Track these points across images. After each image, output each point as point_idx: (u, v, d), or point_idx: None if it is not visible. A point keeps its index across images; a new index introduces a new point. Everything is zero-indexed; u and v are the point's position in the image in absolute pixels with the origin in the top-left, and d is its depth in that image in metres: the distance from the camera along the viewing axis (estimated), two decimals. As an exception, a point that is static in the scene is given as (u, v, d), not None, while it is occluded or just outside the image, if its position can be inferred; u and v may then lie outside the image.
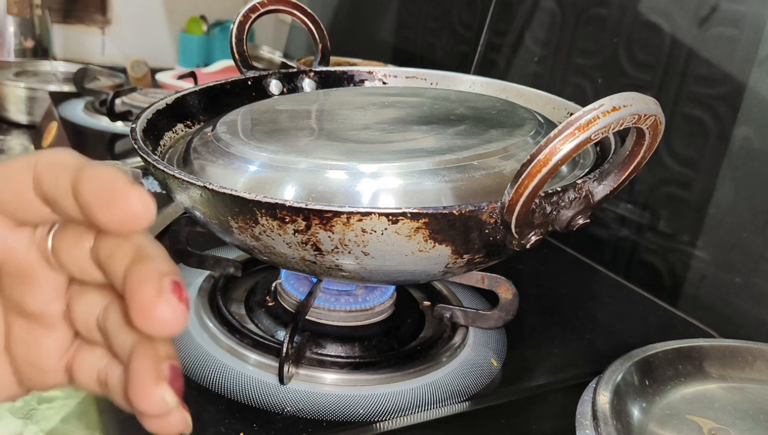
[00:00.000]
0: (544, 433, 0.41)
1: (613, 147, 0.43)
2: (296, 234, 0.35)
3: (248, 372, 0.42)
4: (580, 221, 0.37)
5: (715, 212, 0.60)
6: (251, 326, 0.47)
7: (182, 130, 0.51)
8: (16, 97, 1.21)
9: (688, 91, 0.62)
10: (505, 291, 0.46)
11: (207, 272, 0.51)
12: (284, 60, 1.26)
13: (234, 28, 0.55)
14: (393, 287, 0.49)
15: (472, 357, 0.46)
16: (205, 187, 0.35)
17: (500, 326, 0.48)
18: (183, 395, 0.21)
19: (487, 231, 0.35)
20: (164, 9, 1.62)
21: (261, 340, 0.44)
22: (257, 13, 0.56)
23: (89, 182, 0.20)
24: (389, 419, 0.39)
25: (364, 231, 0.34)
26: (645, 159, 0.36)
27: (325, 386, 0.41)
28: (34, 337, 0.23)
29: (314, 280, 0.46)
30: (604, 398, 0.38)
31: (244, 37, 0.56)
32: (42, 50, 1.41)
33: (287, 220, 0.34)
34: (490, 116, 0.47)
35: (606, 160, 0.40)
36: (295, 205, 0.33)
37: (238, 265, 0.51)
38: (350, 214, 0.33)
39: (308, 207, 0.33)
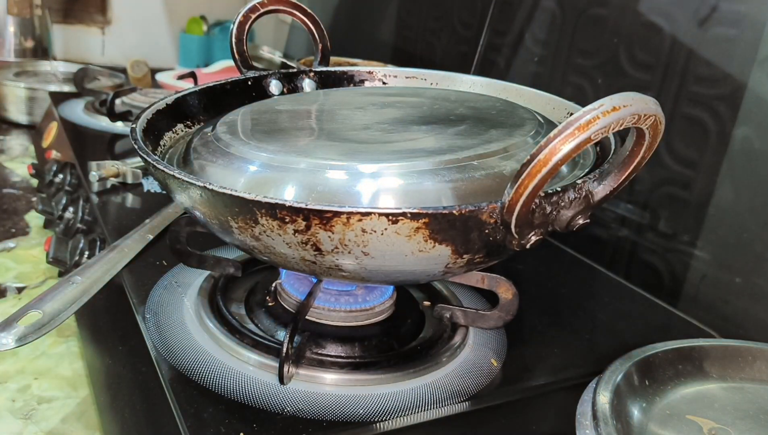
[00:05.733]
0: (544, 433, 0.41)
1: (613, 147, 0.43)
2: (296, 234, 0.35)
3: (248, 372, 0.42)
4: (580, 221, 0.37)
5: (715, 212, 0.60)
6: (251, 326, 0.47)
7: (182, 130, 0.51)
8: (16, 97, 1.21)
9: (688, 91, 0.62)
10: (505, 291, 0.46)
11: (207, 272, 0.51)
12: (284, 60, 1.26)
13: (234, 28, 0.55)
14: (393, 287, 0.49)
15: (472, 357, 0.46)
16: (205, 187, 0.35)
17: (500, 326, 0.48)
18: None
19: (487, 231, 0.35)
20: (164, 9, 1.62)
21: (261, 340, 0.44)
22: (257, 14, 0.56)
23: None
24: (389, 419, 0.39)
25: (364, 231, 0.34)
26: (645, 159, 0.36)
27: (325, 386, 0.41)
28: None
29: (314, 280, 0.46)
30: (604, 398, 0.38)
31: (244, 37, 0.56)
32: (42, 50, 1.42)
33: (287, 220, 0.34)
34: (490, 116, 0.47)
35: (606, 160, 0.40)
36: (295, 205, 0.33)
37: (238, 265, 0.51)
38: (350, 214, 0.33)
39: (308, 207, 0.33)
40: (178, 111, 0.51)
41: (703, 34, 0.61)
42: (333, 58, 0.70)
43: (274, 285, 0.49)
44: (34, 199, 0.86)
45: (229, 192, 0.35)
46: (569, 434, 0.37)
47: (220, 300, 0.48)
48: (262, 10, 0.56)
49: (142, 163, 0.54)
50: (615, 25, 0.70)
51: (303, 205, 0.33)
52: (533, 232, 0.35)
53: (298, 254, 0.36)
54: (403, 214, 0.33)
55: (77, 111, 1.02)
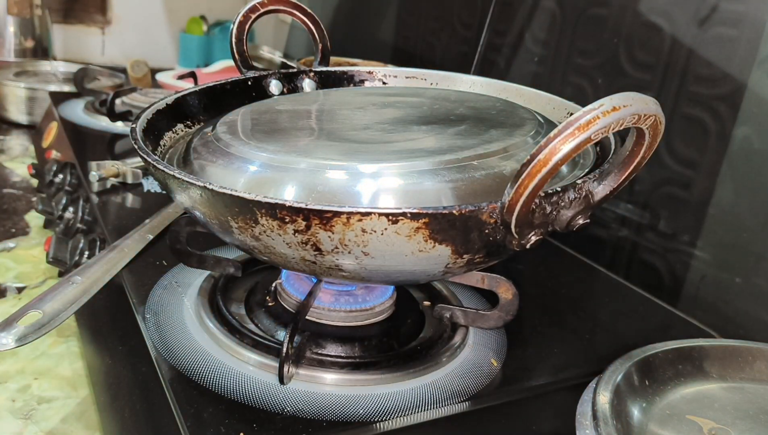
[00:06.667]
0: (544, 433, 0.41)
1: (613, 147, 0.43)
2: (296, 234, 0.35)
3: (248, 372, 0.42)
4: (580, 221, 0.37)
5: (715, 212, 0.60)
6: (251, 326, 0.47)
7: (182, 130, 0.51)
8: (16, 97, 1.21)
9: (688, 91, 0.62)
10: (505, 291, 0.46)
11: (207, 272, 0.51)
12: (284, 60, 1.26)
13: (234, 28, 0.55)
14: (393, 287, 0.49)
15: (472, 357, 0.46)
16: (205, 187, 0.35)
17: (500, 326, 0.48)
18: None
19: (487, 231, 0.35)
20: (164, 9, 1.62)
21: (261, 340, 0.44)
22: (257, 13, 0.56)
23: None
24: (389, 419, 0.39)
25: (364, 231, 0.34)
26: (645, 159, 0.36)
27: (325, 386, 0.41)
28: None
29: (314, 280, 0.46)
30: (604, 398, 0.38)
31: (244, 37, 0.56)
32: (42, 50, 1.42)
33: (287, 220, 0.34)
34: (490, 116, 0.47)
35: (606, 160, 0.40)
36: (295, 205, 0.33)
37: (238, 265, 0.51)
38: (350, 214, 0.33)
39: (308, 207, 0.33)
40: (178, 111, 0.51)
41: (703, 34, 0.61)
42: (333, 58, 0.70)
43: (274, 285, 0.49)
44: (34, 199, 0.86)
45: (229, 192, 0.35)
46: (569, 434, 0.37)
47: (220, 300, 0.48)
48: (262, 10, 0.56)
49: (142, 163, 0.54)
50: (615, 25, 0.70)
51: (303, 205, 0.33)
52: (533, 232, 0.35)
53: (298, 254, 0.36)
54: (403, 214, 0.33)
55: (77, 111, 1.02)
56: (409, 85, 0.60)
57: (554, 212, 0.36)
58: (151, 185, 0.73)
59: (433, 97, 0.52)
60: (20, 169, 1.02)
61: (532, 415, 0.43)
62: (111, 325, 0.53)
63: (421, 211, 0.33)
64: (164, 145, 0.49)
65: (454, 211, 0.33)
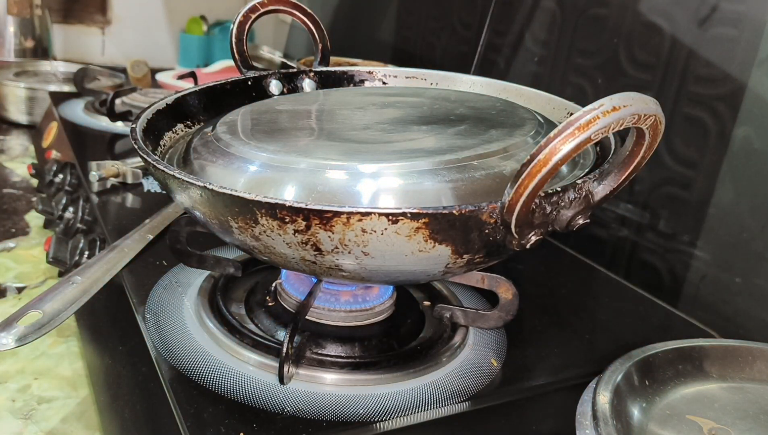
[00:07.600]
0: (544, 433, 0.41)
1: (613, 147, 0.43)
2: (296, 234, 0.35)
3: (248, 372, 0.42)
4: (580, 221, 0.37)
5: (715, 212, 0.60)
6: (251, 326, 0.47)
7: (182, 130, 0.51)
8: (16, 97, 1.21)
9: (688, 91, 0.62)
10: (505, 291, 0.46)
11: (207, 272, 0.51)
12: (284, 60, 1.26)
13: (234, 28, 0.55)
14: (393, 287, 0.49)
15: (472, 357, 0.46)
16: (205, 187, 0.35)
17: (500, 326, 0.48)
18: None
19: (487, 231, 0.35)
20: (164, 9, 1.62)
21: (261, 340, 0.44)
22: (257, 13, 0.56)
23: None
24: (389, 419, 0.39)
25: (364, 231, 0.34)
26: (645, 159, 0.36)
27: (325, 386, 0.41)
28: None
29: (314, 280, 0.46)
30: (604, 398, 0.38)
31: (244, 37, 0.56)
32: (42, 50, 1.42)
33: (287, 220, 0.34)
34: (490, 116, 0.47)
35: (606, 160, 0.40)
36: (295, 205, 0.33)
37: (238, 265, 0.51)
38: (350, 214, 0.33)
39: (308, 207, 0.33)
40: (178, 111, 0.51)
41: (703, 34, 0.61)
42: (333, 58, 0.70)
43: (274, 285, 0.49)
44: (34, 199, 0.86)
45: (229, 192, 0.35)
46: (569, 434, 0.37)
47: (220, 300, 0.48)
48: (262, 10, 0.56)
49: (142, 163, 0.54)
50: (615, 25, 0.70)
51: (303, 205, 0.33)
52: (533, 232, 0.35)
53: (298, 254, 0.36)
54: (403, 214, 0.33)
55: (77, 111, 1.02)
56: (409, 85, 0.60)
57: (554, 212, 0.36)
58: (151, 185, 0.73)
59: (433, 97, 0.52)
60: (20, 169, 1.02)
61: (532, 415, 0.43)
62: (111, 325, 0.53)
63: (421, 211, 0.33)
64: (164, 145, 0.49)
65: (454, 211, 0.33)
